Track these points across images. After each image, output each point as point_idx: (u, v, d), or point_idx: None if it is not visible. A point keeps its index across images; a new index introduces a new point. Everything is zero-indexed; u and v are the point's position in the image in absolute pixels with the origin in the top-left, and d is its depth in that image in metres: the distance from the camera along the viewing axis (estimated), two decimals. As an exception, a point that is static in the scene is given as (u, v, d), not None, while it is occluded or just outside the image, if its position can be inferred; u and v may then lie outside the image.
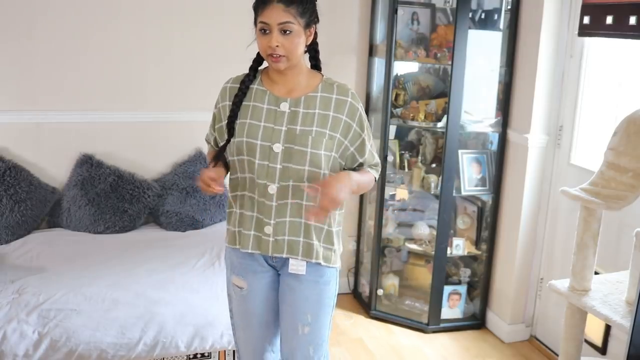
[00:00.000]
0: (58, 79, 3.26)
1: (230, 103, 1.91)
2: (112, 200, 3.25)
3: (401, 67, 3.52)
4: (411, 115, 3.36)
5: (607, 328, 2.70)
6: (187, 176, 3.41)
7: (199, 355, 2.44)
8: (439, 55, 3.26)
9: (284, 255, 1.93)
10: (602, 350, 2.74)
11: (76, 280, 2.64)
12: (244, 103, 1.90)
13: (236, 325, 2.11)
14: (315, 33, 1.89)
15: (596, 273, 2.32)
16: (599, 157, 2.21)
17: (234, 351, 2.45)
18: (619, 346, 2.64)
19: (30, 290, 2.55)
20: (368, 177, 1.97)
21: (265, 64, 1.94)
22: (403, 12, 3.35)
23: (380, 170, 2.03)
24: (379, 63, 3.53)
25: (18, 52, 3.18)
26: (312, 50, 1.94)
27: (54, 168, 3.32)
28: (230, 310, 2.11)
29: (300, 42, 1.81)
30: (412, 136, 3.67)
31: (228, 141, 1.90)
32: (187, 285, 2.66)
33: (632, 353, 1.85)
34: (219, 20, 3.41)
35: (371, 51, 3.59)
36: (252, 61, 1.94)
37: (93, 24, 3.25)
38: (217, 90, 3.67)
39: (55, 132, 3.30)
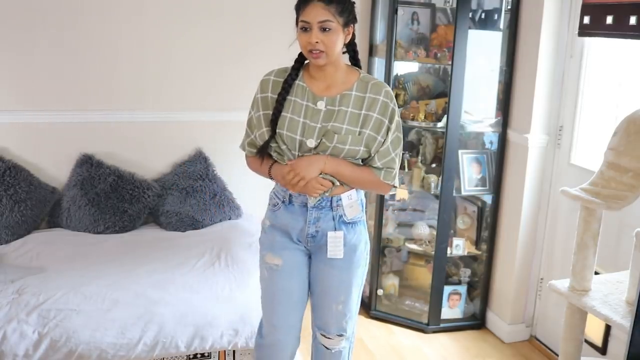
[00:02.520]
0: (58, 79, 3.26)
1: (274, 96, 2.01)
2: (112, 200, 3.25)
3: (401, 67, 3.52)
4: (411, 115, 3.36)
5: (607, 328, 2.69)
6: (187, 176, 3.41)
7: (199, 355, 2.43)
8: (439, 55, 3.26)
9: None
10: (602, 350, 2.74)
11: (76, 280, 2.64)
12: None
13: (264, 303, 2.22)
14: (354, 33, 2.01)
15: (596, 273, 2.32)
16: (599, 157, 2.21)
17: (234, 351, 2.45)
18: (619, 346, 2.64)
19: (30, 290, 2.55)
20: (366, 173, 2.04)
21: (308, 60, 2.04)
22: (403, 12, 3.35)
23: (394, 178, 2.08)
24: (379, 63, 3.53)
25: (18, 52, 3.18)
26: (351, 50, 2.07)
27: (54, 168, 3.32)
28: (262, 290, 2.23)
29: (339, 40, 1.93)
30: (412, 136, 3.67)
31: (272, 135, 2.01)
32: (187, 285, 2.66)
33: (632, 353, 1.85)
34: (218, 21, 3.41)
35: (371, 51, 3.58)
36: (294, 60, 2.06)
37: (93, 23, 3.25)
38: (216, 90, 3.69)
39: (55, 132, 3.30)
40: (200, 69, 3.44)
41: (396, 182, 2.10)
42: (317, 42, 1.89)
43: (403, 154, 3.54)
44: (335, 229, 2.05)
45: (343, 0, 1.92)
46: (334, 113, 1.97)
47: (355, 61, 2.09)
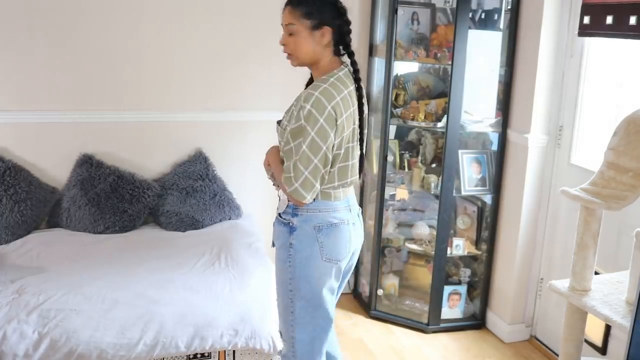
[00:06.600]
0: (58, 79, 3.26)
1: None
2: (112, 200, 3.25)
3: (401, 67, 3.52)
4: (411, 115, 3.36)
5: (607, 328, 2.69)
6: (187, 176, 3.41)
7: (199, 355, 2.44)
8: (439, 55, 3.26)
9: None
10: (602, 350, 2.74)
11: (76, 280, 2.64)
12: None
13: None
14: (337, 33, 2.00)
15: (596, 273, 2.31)
16: (599, 157, 2.21)
17: (234, 351, 2.46)
18: (619, 346, 2.64)
19: (30, 290, 2.55)
20: (279, 170, 2.05)
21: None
22: (403, 12, 3.35)
23: (289, 184, 1.96)
24: (379, 63, 3.53)
25: (18, 52, 3.18)
26: (345, 51, 2.06)
27: (54, 168, 3.32)
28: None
29: (303, 43, 1.98)
30: (412, 136, 3.67)
31: None
32: (187, 285, 2.66)
33: (632, 353, 1.85)
34: (218, 21, 3.41)
35: (371, 51, 3.59)
36: None
37: (93, 24, 3.25)
38: (216, 90, 3.70)
39: (55, 132, 3.30)
40: (200, 69, 3.44)
41: (296, 191, 1.95)
42: (284, 45, 2.01)
43: (402, 154, 3.55)
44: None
45: (309, 3, 1.94)
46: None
47: (352, 63, 2.05)
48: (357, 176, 2.12)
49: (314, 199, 2.02)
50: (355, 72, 2.03)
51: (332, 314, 2.15)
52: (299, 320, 2.12)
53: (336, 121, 1.93)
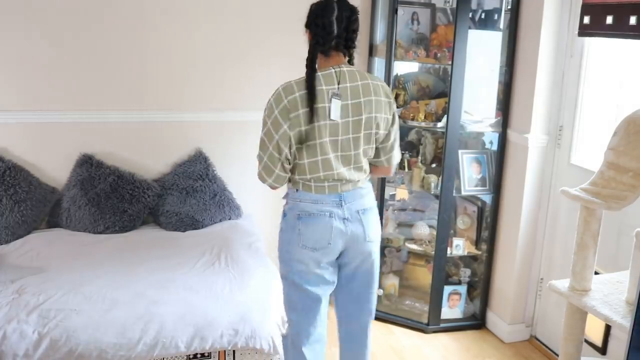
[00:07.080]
0: (58, 79, 3.26)
1: None
2: (112, 200, 3.25)
3: (401, 67, 3.53)
4: (411, 115, 3.36)
5: (607, 328, 2.69)
6: (187, 176, 3.41)
7: (199, 355, 2.44)
8: (439, 55, 3.26)
9: None
10: (602, 350, 2.74)
11: (76, 280, 2.64)
12: None
13: None
14: (309, 39, 2.13)
15: (596, 273, 2.31)
16: (599, 157, 2.21)
17: (234, 351, 2.46)
18: (619, 346, 2.64)
19: (30, 290, 2.55)
20: None
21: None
22: (403, 12, 3.35)
23: (257, 174, 2.19)
24: (379, 63, 3.53)
25: (18, 52, 3.18)
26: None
27: (54, 168, 3.32)
28: None
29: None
30: (412, 136, 3.67)
31: None
32: (187, 285, 2.66)
33: (632, 353, 1.85)
34: (219, 22, 3.42)
35: (371, 51, 3.59)
36: None
37: (93, 24, 3.25)
38: (216, 90, 3.70)
39: (55, 132, 3.30)
40: (200, 69, 3.44)
41: (259, 175, 2.17)
42: None
43: (402, 154, 3.55)
44: None
45: None
46: None
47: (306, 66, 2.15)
48: (338, 171, 2.11)
49: (297, 190, 2.17)
50: (308, 77, 2.07)
51: (318, 296, 2.23)
52: (286, 300, 2.30)
53: (289, 114, 2.04)
